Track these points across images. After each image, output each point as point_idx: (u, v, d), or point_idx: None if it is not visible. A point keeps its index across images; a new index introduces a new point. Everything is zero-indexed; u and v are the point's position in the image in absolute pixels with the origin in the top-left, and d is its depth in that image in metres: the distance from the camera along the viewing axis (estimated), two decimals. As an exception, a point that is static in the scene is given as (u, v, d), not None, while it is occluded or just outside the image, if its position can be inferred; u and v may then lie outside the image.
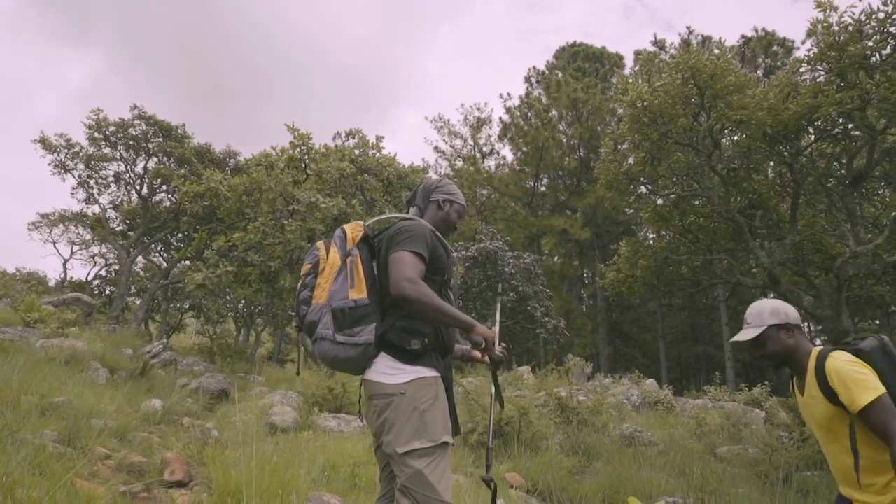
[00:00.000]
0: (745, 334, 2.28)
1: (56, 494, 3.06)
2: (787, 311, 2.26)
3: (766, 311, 2.27)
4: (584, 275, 32.61)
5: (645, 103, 5.96)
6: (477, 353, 2.67)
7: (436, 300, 1.97)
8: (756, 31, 26.50)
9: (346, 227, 2.27)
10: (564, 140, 29.40)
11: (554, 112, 29.09)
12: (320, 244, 2.26)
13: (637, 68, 6.87)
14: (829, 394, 2.07)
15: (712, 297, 28.90)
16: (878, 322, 26.40)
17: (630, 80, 6.18)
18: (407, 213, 2.49)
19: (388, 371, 2.06)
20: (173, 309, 22.95)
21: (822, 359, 2.13)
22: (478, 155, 31.07)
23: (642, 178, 6.78)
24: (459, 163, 31.09)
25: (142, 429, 6.03)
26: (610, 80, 30.50)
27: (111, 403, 6.43)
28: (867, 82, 5.06)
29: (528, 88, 32.48)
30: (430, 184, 2.52)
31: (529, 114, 29.36)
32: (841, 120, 5.65)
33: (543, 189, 30.94)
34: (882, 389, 1.98)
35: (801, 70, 5.81)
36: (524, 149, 29.36)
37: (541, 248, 29.81)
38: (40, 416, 4.98)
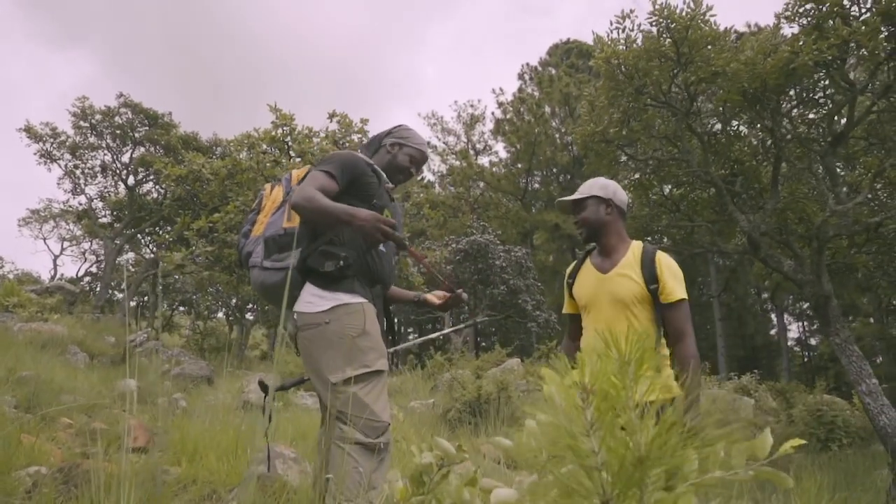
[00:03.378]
0: (570, 197, 2.36)
1: (-2, 448, 2.94)
2: (615, 191, 2.31)
3: (598, 184, 2.34)
4: (578, 271, 32.48)
5: (620, 59, 5.90)
6: (431, 298, 2.56)
7: (319, 202, 1.91)
8: (749, 26, 26.51)
9: (294, 171, 2.36)
10: (557, 137, 29.40)
11: (547, 108, 29.08)
12: (267, 185, 2.37)
13: (613, 28, 6.69)
14: (651, 278, 2.18)
15: (707, 295, 28.77)
16: (871, 319, 26.43)
17: (606, 39, 6.13)
18: None
19: (310, 300, 2.02)
20: (166, 308, 22.78)
21: (650, 250, 2.25)
22: (471, 151, 31.00)
23: (619, 142, 6.71)
24: (452, 159, 31.03)
25: (114, 407, 5.91)
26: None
27: (84, 382, 6.32)
28: (843, 29, 5.00)
29: (521, 85, 32.44)
30: (382, 132, 2.41)
31: (522, 109, 29.34)
32: (822, 83, 5.59)
33: (536, 185, 30.91)
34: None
35: (781, 25, 5.76)
36: (517, 145, 29.34)
37: (533, 244, 29.76)
38: (2, 386, 4.85)
